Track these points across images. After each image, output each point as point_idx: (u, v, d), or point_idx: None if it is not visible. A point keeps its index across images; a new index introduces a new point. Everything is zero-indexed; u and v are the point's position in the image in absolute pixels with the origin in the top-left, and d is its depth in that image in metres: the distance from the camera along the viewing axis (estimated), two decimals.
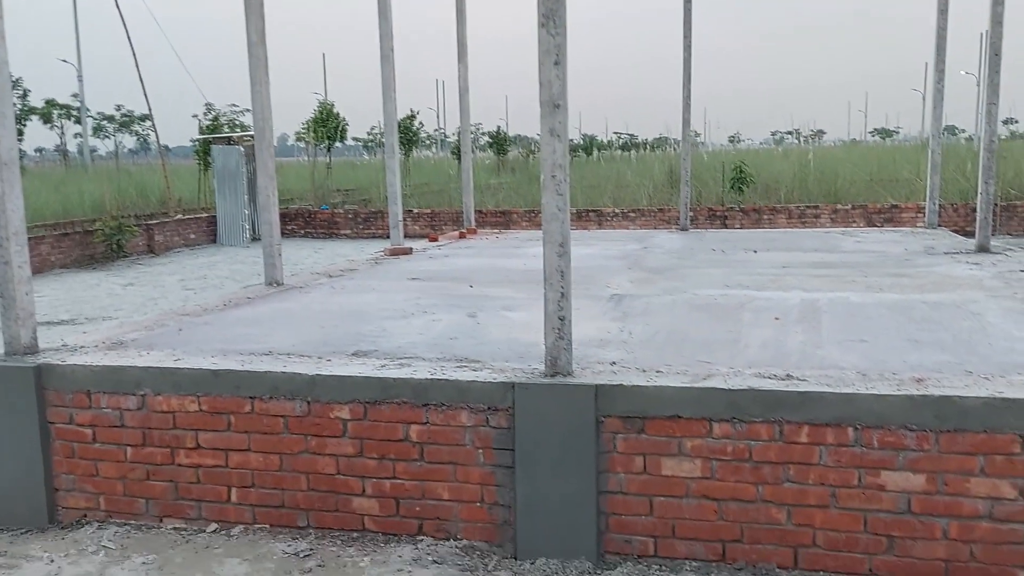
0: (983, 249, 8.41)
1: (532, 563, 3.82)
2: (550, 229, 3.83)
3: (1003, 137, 48.33)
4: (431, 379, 3.98)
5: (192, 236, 20.87)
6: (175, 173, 25.26)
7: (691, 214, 17.15)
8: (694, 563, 3.79)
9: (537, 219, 19.39)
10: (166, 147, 26.09)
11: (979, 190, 8.06)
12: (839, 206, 19.27)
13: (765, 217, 19.44)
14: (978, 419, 3.48)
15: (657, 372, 4.04)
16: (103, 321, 10.73)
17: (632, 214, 20.18)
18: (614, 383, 3.84)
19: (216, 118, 26.26)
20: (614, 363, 4.25)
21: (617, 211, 20.36)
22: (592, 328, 5.14)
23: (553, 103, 3.84)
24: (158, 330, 5.32)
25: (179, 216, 21.07)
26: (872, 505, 3.62)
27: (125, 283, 14.73)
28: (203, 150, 22.84)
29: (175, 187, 22.96)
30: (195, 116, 26.29)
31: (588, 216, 20.26)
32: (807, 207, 19.47)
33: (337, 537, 4.09)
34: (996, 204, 17.86)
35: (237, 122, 27.03)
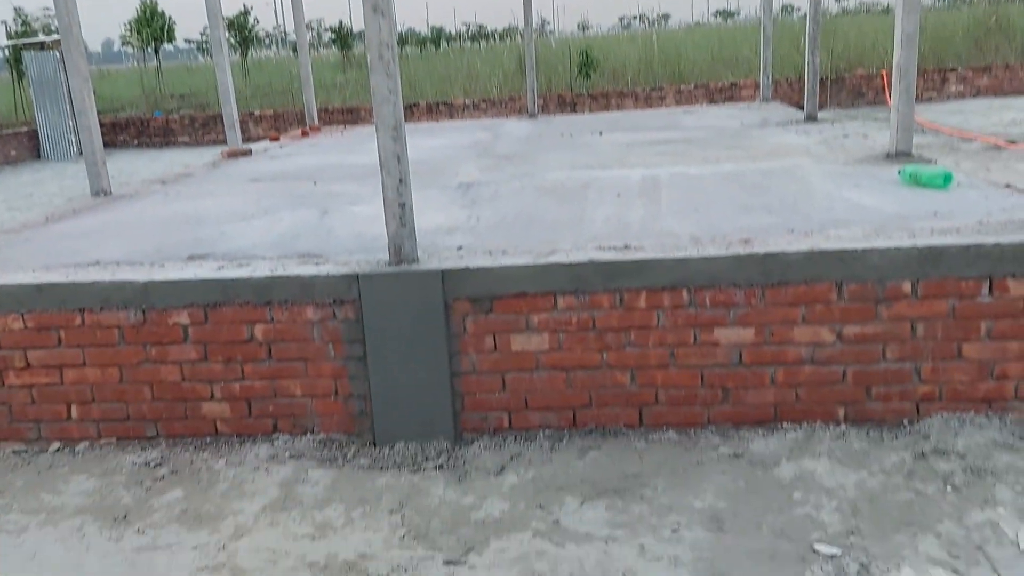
0: (811, 119, 8.86)
1: (391, 447, 3.88)
2: (382, 112, 3.72)
3: (833, 13, 50.15)
4: (272, 277, 3.86)
5: (13, 152, 19.14)
6: None
7: (541, 102, 17.15)
8: (547, 431, 3.95)
9: None
10: None
11: (806, 61, 8.41)
12: (683, 86, 19.73)
13: (613, 101, 19.69)
14: (799, 272, 3.73)
15: (503, 253, 4.08)
16: None
17: (483, 104, 19.97)
18: (460, 267, 3.85)
19: (26, 23, 23.76)
20: (461, 248, 4.26)
21: (468, 102, 20.10)
22: (440, 217, 5.11)
23: None
24: None
25: None
26: (707, 360, 3.85)
27: None
28: (15, 58, 20.73)
29: None
30: (2, 22, 23.57)
31: (439, 109, 19.92)
32: (652, 89, 19.83)
33: (189, 444, 4.00)
34: (827, 77, 18.77)
35: (52, 27, 24.55)
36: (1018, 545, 2.88)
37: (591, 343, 3.86)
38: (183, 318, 3.90)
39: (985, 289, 3.64)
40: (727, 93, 19.33)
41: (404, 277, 3.82)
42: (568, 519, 3.26)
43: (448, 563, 3.04)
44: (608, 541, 3.10)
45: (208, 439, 4.03)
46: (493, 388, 3.94)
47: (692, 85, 19.72)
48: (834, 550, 2.92)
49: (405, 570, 3.01)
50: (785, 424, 3.84)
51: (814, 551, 2.93)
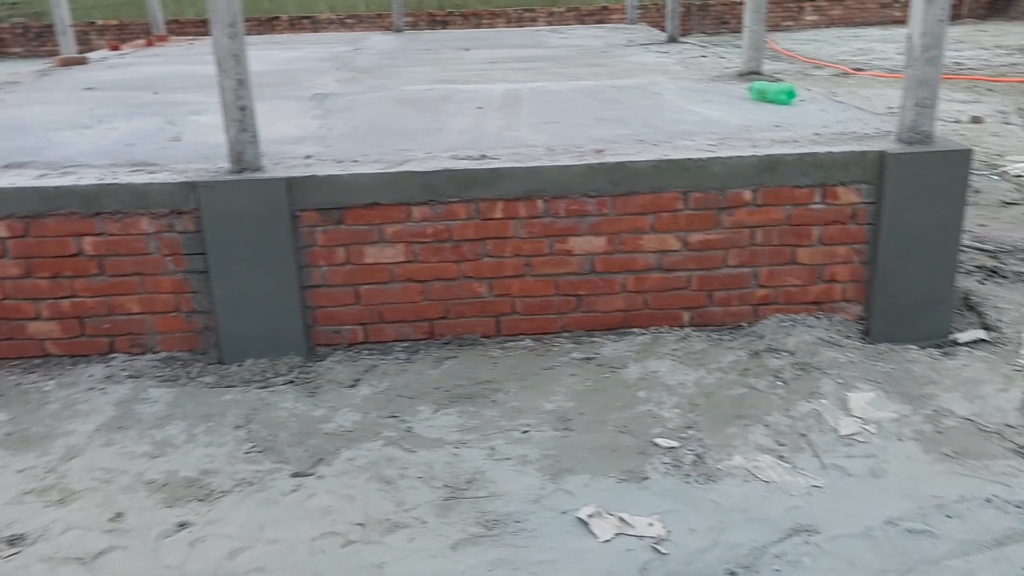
0: (673, 40, 8.97)
1: (240, 365, 3.74)
2: (217, 6, 3.46)
3: None
4: (100, 185, 3.59)
5: None
6: None
7: (411, 19, 16.66)
8: (403, 344, 3.91)
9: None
10: None
11: None
12: (555, 9, 19.62)
13: (484, 21, 19.35)
14: (647, 181, 3.78)
15: (354, 162, 3.95)
16: None
17: (350, 20, 19.20)
18: (307, 175, 3.70)
19: None
20: (309, 156, 4.09)
21: (334, 17, 19.27)
22: (290, 127, 4.88)
23: None
24: None
25: None
26: (562, 270, 3.88)
27: None
28: None
29: None
30: None
31: (302, 23, 19.01)
32: (525, 11, 19.62)
33: (16, 366, 3.73)
34: (692, 4, 19.06)
35: None
36: (837, 431, 3.10)
37: (447, 254, 3.82)
38: (1, 230, 3.59)
39: (818, 196, 3.81)
40: (598, 16, 19.36)
41: (246, 185, 3.63)
42: (420, 426, 3.26)
43: (296, 475, 2.99)
44: (459, 445, 3.12)
45: (37, 361, 3.77)
46: (346, 301, 3.85)
47: (564, 8, 19.63)
48: (673, 443, 3.05)
49: (250, 483, 2.94)
50: (634, 329, 3.95)
51: (654, 444, 3.05)
